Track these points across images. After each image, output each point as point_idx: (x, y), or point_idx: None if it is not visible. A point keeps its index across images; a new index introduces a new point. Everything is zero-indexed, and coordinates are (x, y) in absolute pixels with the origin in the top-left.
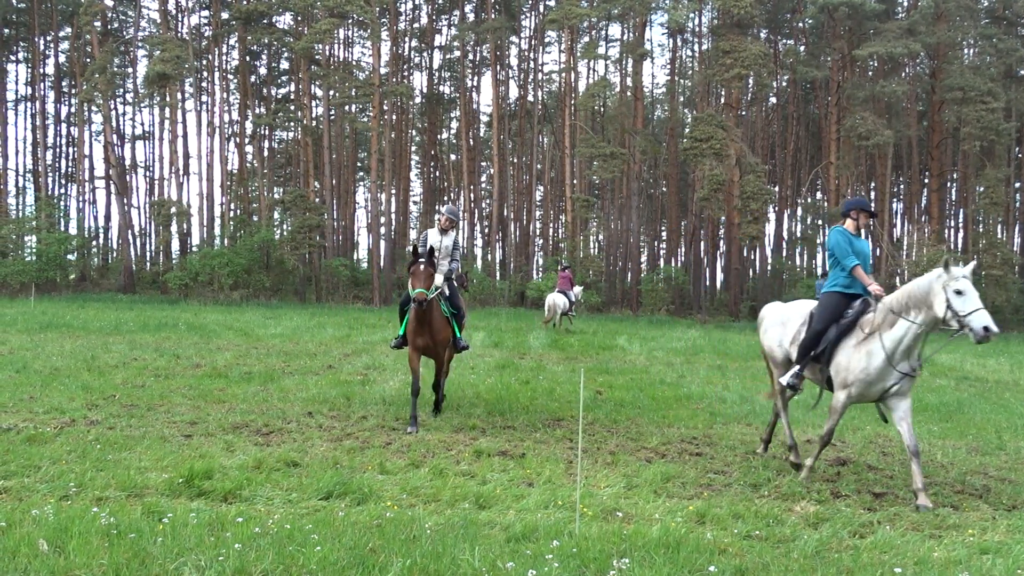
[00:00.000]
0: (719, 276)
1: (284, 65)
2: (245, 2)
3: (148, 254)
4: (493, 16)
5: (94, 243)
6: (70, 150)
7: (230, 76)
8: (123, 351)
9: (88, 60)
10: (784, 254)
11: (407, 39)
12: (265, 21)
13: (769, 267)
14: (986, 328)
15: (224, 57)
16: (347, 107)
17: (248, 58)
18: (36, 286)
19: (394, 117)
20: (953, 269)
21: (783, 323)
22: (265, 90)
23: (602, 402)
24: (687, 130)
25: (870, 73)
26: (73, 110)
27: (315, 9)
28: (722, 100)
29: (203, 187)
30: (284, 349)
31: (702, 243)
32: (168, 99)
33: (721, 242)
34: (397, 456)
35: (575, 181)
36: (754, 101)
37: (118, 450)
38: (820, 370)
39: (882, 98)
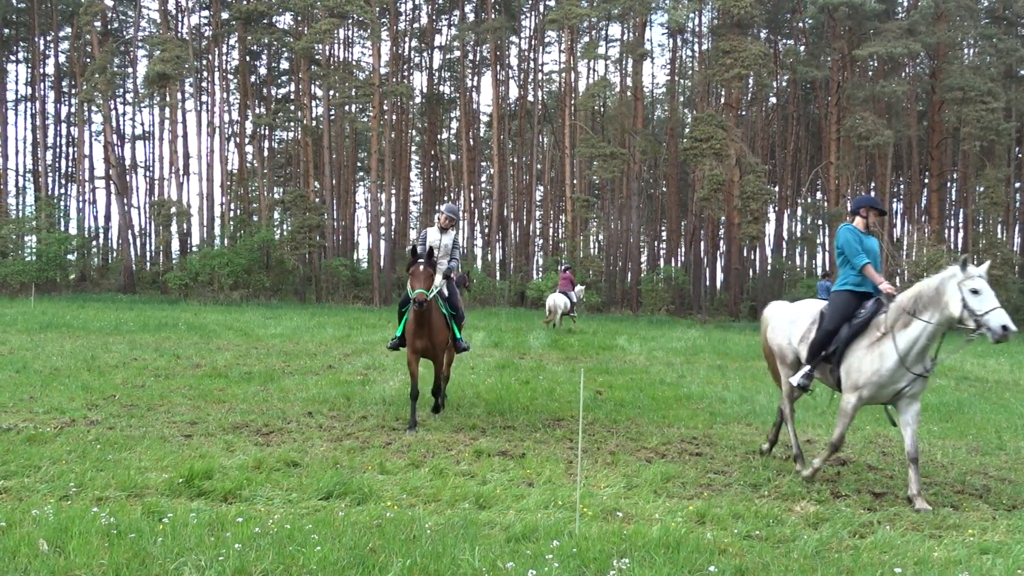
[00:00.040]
0: (719, 276)
1: (284, 65)
2: (245, 2)
3: (148, 254)
4: (493, 16)
5: (94, 243)
6: (70, 150)
7: (230, 76)
8: (123, 351)
9: (88, 60)
10: (784, 254)
11: (407, 39)
12: (265, 21)
13: (769, 267)
14: (1004, 327)
15: (224, 57)
16: (347, 107)
17: (248, 58)
18: (36, 286)
19: (394, 117)
20: (969, 268)
21: (792, 321)
22: (265, 90)
23: (602, 402)
24: (687, 130)
25: (870, 73)
26: (73, 110)
27: (315, 9)
28: (722, 100)
29: (203, 187)
30: (284, 349)
31: (702, 243)
32: (168, 99)
33: (721, 242)
34: (397, 456)
35: (575, 181)
36: (754, 101)
37: (118, 450)
38: (831, 371)
39: (882, 98)
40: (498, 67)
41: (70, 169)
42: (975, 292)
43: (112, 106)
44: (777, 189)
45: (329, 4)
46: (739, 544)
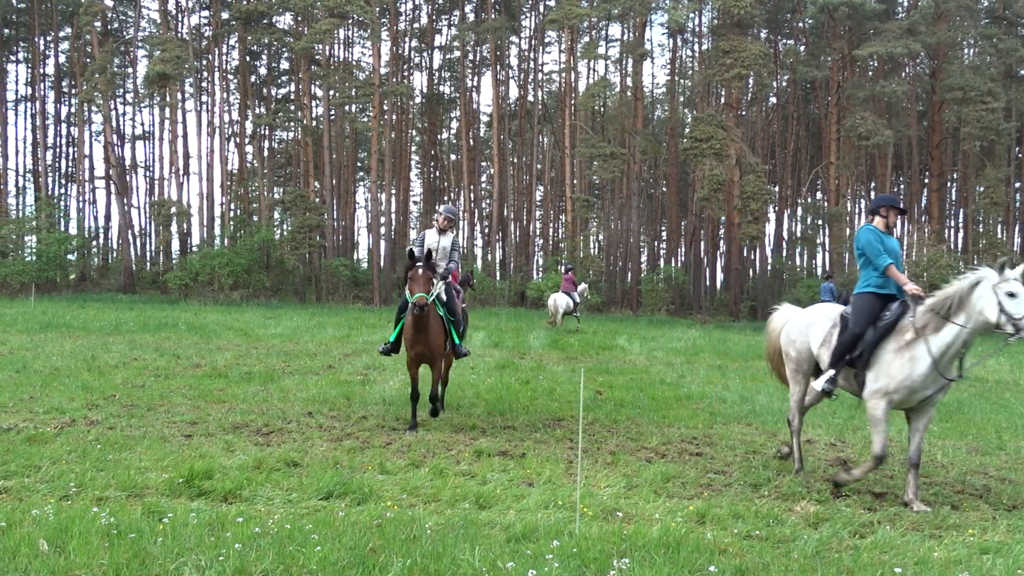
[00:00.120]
0: (719, 276)
1: (284, 65)
2: (245, 2)
3: (148, 254)
4: (493, 16)
5: (94, 243)
6: (70, 150)
7: (230, 76)
8: (123, 351)
9: (88, 60)
10: (784, 254)
11: (407, 39)
12: (265, 21)
13: (769, 267)
14: None
15: (224, 57)
16: (347, 107)
17: (248, 58)
18: (36, 286)
19: (394, 117)
20: (1006, 271)
21: (809, 325)
22: (265, 90)
23: (602, 402)
24: (687, 130)
25: (870, 73)
26: (73, 110)
27: (315, 9)
28: (722, 100)
29: (203, 187)
30: (284, 349)
31: (702, 243)
32: (168, 99)
33: (721, 242)
34: (397, 456)
35: (575, 181)
36: (754, 101)
37: (118, 450)
38: (855, 375)
39: (882, 98)
40: (498, 67)
41: (70, 169)
42: (1012, 295)
43: (112, 106)
44: (777, 189)
45: (329, 4)
46: (739, 544)
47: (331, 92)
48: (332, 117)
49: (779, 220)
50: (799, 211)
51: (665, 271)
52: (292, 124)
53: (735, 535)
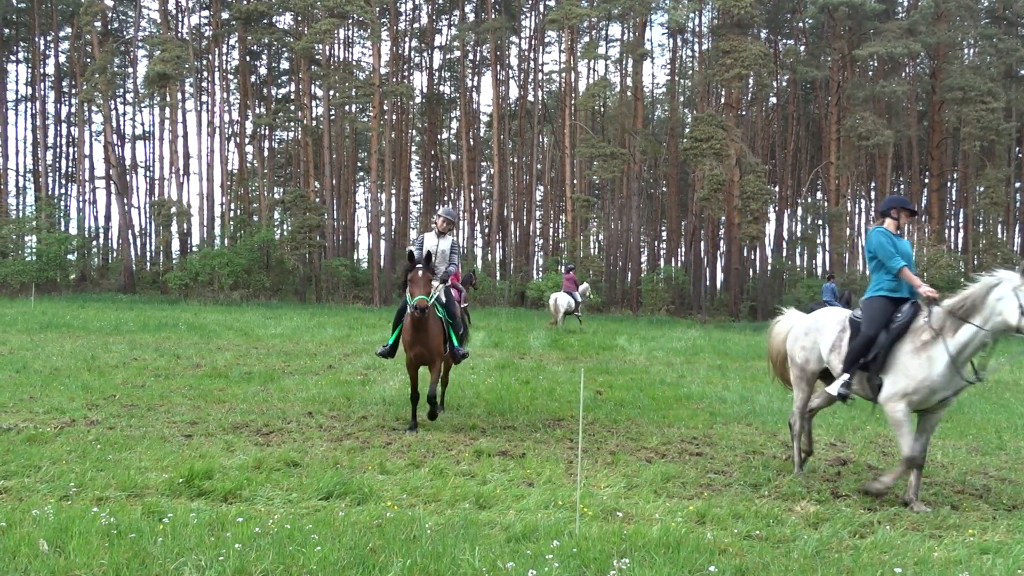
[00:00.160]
0: (719, 276)
1: (284, 65)
2: (245, 2)
3: (148, 254)
4: (493, 16)
5: (94, 243)
6: (70, 150)
7: (230, 76)
8: (123, 351)
9: (88, 60)
10: (784, 254)
11: (407, 39)
12: (265, 21)
13: (769, 267)
14: None
15: (224, 57)
16: (347, 107)
17: (248, 58)
18: (36, 286)
19: (394, 117)
20: None
21: (817, 330)
22: (265, 90)
23: (602, 402)
24: (687, 130)
25: (870, 73)
26: (73, 110)
27: (315, 9)
28: (722, 100)
29: (203, 187)
30: (284, 349)
31: (702, 243)
32: (168, 99)
33: (721, 242)
34: (397, 456)
35: (575, 181)
36: (754, 101)
37: (118, 450)
38: (868, 379)
39: (882, 98)
40: (498, 67)
41: (70, 169)
42: None
43: (112, 106)
44: (777, 189)
45: (329, 4)
46: (739, 544)
47: (331, 92)
48: (332, 117)
49: (779, 220)
50: (799, 211)
51: (665, 271)
52: (292, 124)
53: (735, 535)
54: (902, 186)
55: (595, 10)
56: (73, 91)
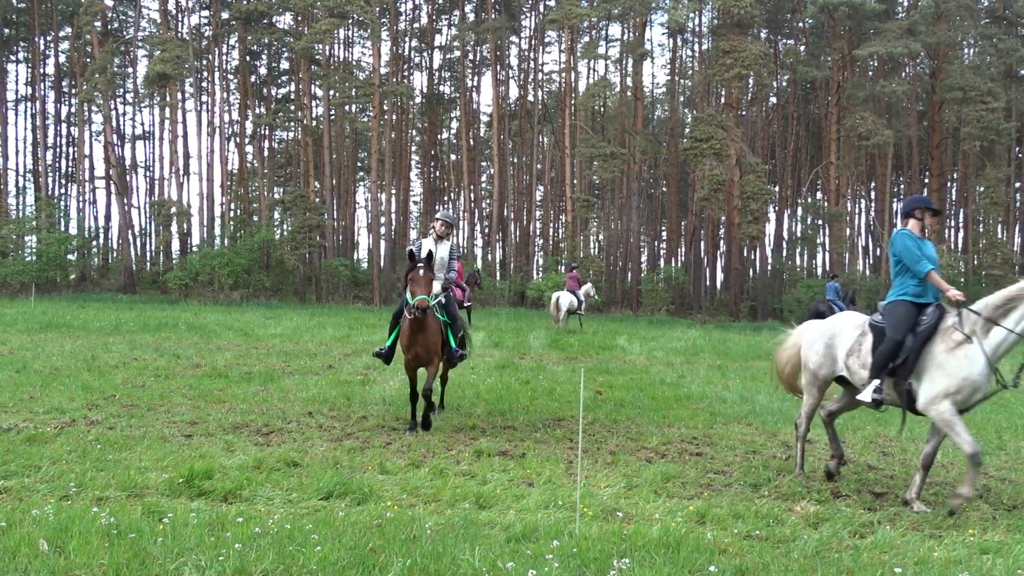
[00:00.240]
0: (719, 276)
1: (284, 65)
2: (245, 2)
3: (148, 254)
4: (493, 16)
5: (94, 243)
6: (70, 150)
7: (230, 76)
8: (123, 351)
9: (88, 60)
10: (784, 254)
11: (407, 39)
12: (265, 21)
13: (769, 267)
14: None
15: (224, 57)
16: (347, 107)
17: (248, 58)
18: (36, 286)
19: (394, 117)
20: None
21: (834, 335)
22: (265, 90)
23: (602, 402)
24: (687, 130)
25: (870, 73)
26: (73, 110)
27: (315, 9)
28: (722, 100)
29: (203, 187)
30: (284, 349)
31: (702, 243)
32: (168, 99)
33: (721, 242)
34: (397, 456)
35: (575, 181)
36: (754, 101)
37: (118, 450)
38: (895, 384)
39: (882, 98)
40: (498, 67)
41: (70, 169)
42: None
43: (112, 106)
44: (777, 189)
45: (329, 4)
46: (739, 544)
47: (331, 92)
48: (332, 117)
49: (779, 220)
50: (799, 211)
51: (665, 271)
52: (292, 124)
53: (735, 535)
54: (902, 186)
55: (595, 10)
56: (73, 91)
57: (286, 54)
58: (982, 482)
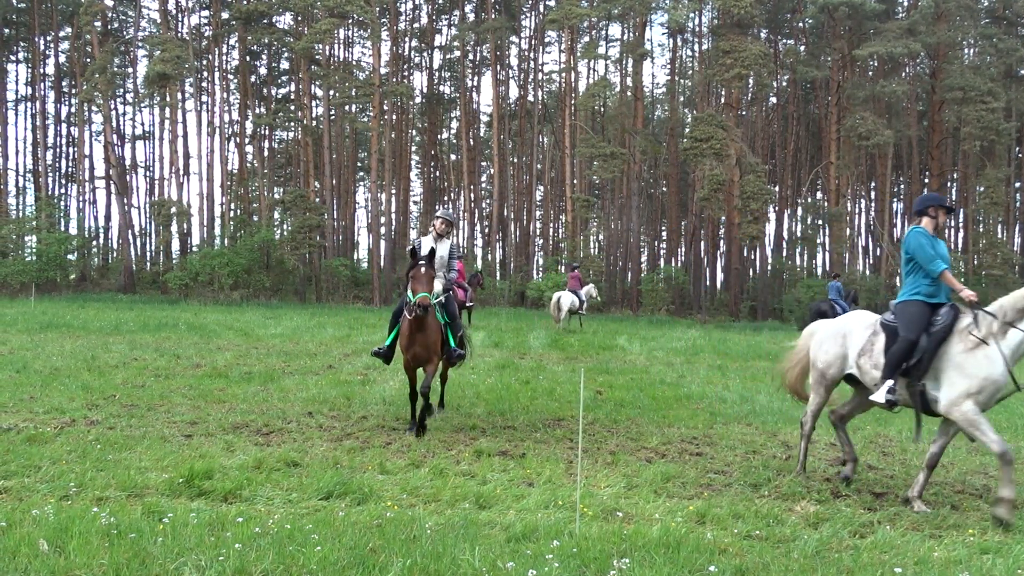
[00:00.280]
0: (719, 276)
1: (284, 65)
2: (245, 2)
3: (148, 254)
4: (493, 16)
5: (94, 243)
6: (70, 150)
7: (230, 76)
8: (123, 351)
9: (88, 60)
10: (784, 254)
11: (407, 39)
12: (265, 21)
13: (769, 267)
14: None
15: (224, 57)
16: (347, 107)
17: (248, 58)
18: (36, 286)
19: (394, 117)
20: None
21: (844, 335)
22: (265, 90)
23: (602, 402)
24: (687, 130)
25: (870, 73)
26: (73, 110)
27: (315, 9)
28: (722, 100)
29: (203, 187)
30: (284, 349)
31: (702, 243)
32: (168, 99)
33: (721, 242)
34: (397, 456)
35: (575, 181)
36: (754, 101)
37: (118, 450)
38: (908, 385)
39: (882, 98)
40: (498, 67)
41: (70, 169)
42: None
43: (112, 106)
44: (777, 189)
45: (329, 4)
46: (739, 544)
47: (331, 92)
48: (332, 117)
49: (779, 220)
50: (799, 211)
51: (665, 271)
52: (292, 124)
53: (735, 535)
54: (902, 186)
55: (595, 10)
56: (73, 91)
57: (286, 54)
58: (982, 482)
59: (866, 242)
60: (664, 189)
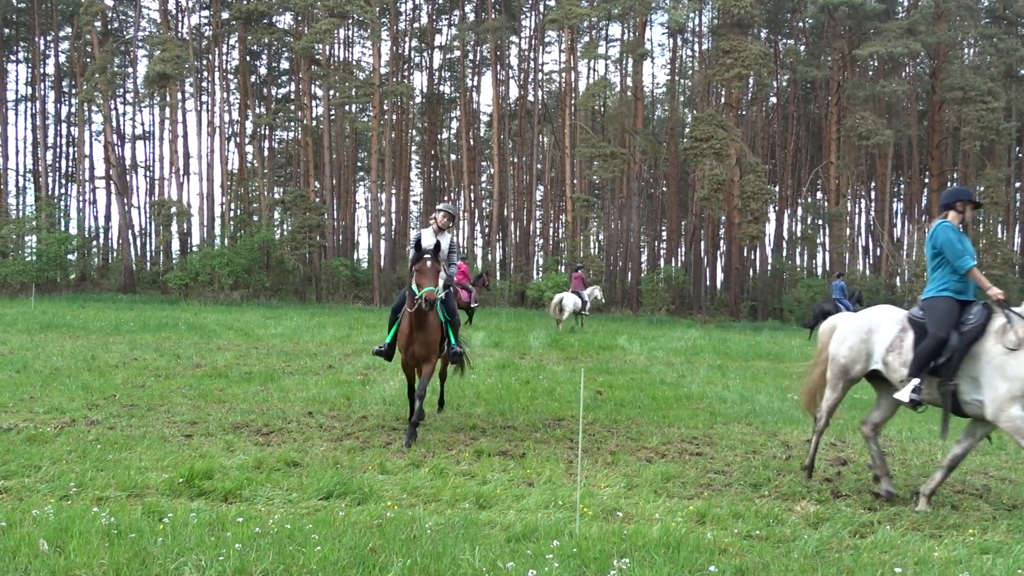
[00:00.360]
0: (719, 276)
1: (284, 65)
2: (245, 2)
3: (148, 254)
4: (493, 16)
5: (94, 243)
6: (70, 150)
7: (230, 76)
8: (123, 351)
9: (88, 60)
10: (784, 254)
11: (407, 39)
12: (265, 21)
13: (769, 267)
14: None
15: (224, 57)
16: (347, 107)
17: (248, 58)
18: (36, 286)
19: (394, 117)
20: None
21: (869, 331)
22: (265, 90)
23: (602, 402)
24: (687, 130)
25: (870, 73)
26: (73, 110)
27: (315, 9)
28: (722, 100)
29: (203, 187)
30: (284, 349)
31: (702, 243)
32: (168, 99)
33: (721, 242)
34: (397, 456)
35: (575, 181)
36: (754, 101)
37: (118, 450)
38: (939, 384)
39: (882, 98)
40: (498, 67)
41: (70, 169)
42: None
43: (112, 106)
44: (777, 189)
45: (329, 4)
46: (739, 544)
47: (331, 92)
48: (332, 117)
49: (779, 220)
50: (799, 211)
51: (665, 271)
52: (292, 124)
53: (735, 535)
54: (902, 186)
55: (595, 10)
56: (73, 91)
57: (286, 54)
58: (982, 482)
59: (866, 242)
60: (664, 189)
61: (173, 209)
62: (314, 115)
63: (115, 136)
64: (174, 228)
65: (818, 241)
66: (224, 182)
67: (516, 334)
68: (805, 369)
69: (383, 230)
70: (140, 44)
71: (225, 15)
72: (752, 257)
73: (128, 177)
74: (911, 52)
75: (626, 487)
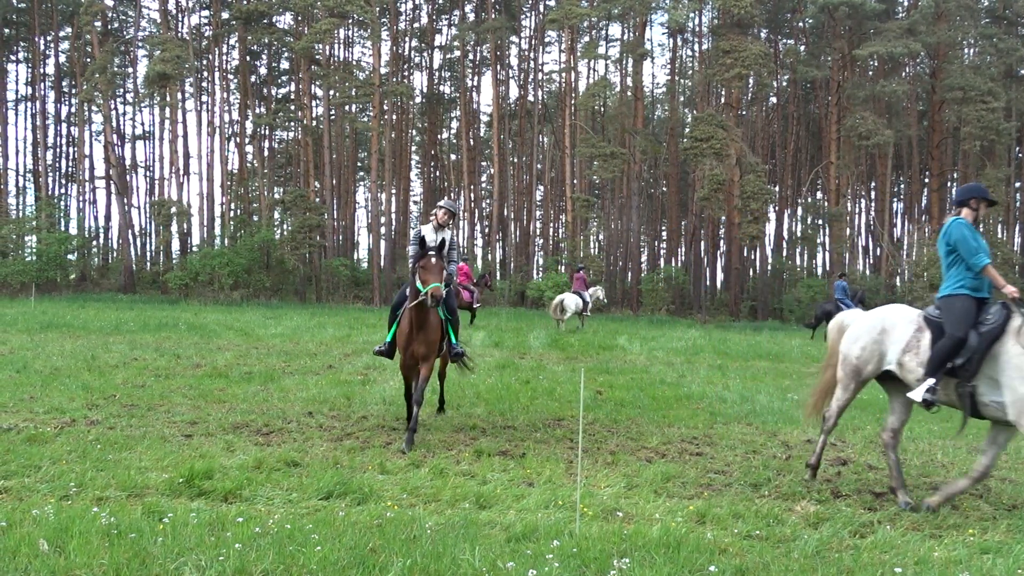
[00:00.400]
0: (719, 276)
1: (284, 65)
2: (245, 2)
3: (148, 254)
4: (493, 16)
5: (94, 243)
6: (70, 150)
7: (230, 76)
8: (123, 351)
9: (88, 60)
10: (784, 254)
11: (407, 39)
12: (265, 21)
13: (769, 267)
14: None
15: (224, 57)
16: (347, 107)
17: (248, 58)
18: (36, 286)
19: (394, 117)
20: None
21: (883, 330)
22: (265, 90)
23: (602, 402)
24: (687, 130)
25: (870, 73)
26: (73, 110)
27: (315, 9)
28: (722, 100)
29: (203, 187)
30: (284, 349)
31: (702, 243)
32: (168, 99)
33: (721, 242)
34: (397, 456)
35: (575, 181)
36: (754, 101)
37: (118, 450)
38: (957, 386)
39: (882, 98)
40: (498, 67)
41: (70, 169)
42: None
43: (112, 106)
44: (777, 189)
45: (329, 4)
46: (739, 544)
47: (331, 92)
48: (332, 117)
49: (779, 220)
50: (799, 211)
51: (665, 271)
52: (292, 124)
53: (735, 535)
54: (902, 186)
55: (595, 10)
56: (73, 91)
57: (286, 54)
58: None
59: (866, 242)
60: (664, 189)
61: (173, 209)
62: (314, 115)
63: (115, 136)
64: (174, 228)
65: (818, 241)
66: (224, 182)
67: (516, 334)
68: (816, 370)
69: (383, 230)
70: (140, 44)
71: (225, 15)
72: (752, 257)
73: (128, 177)
74: (911, 52)
75: (626, 487)
